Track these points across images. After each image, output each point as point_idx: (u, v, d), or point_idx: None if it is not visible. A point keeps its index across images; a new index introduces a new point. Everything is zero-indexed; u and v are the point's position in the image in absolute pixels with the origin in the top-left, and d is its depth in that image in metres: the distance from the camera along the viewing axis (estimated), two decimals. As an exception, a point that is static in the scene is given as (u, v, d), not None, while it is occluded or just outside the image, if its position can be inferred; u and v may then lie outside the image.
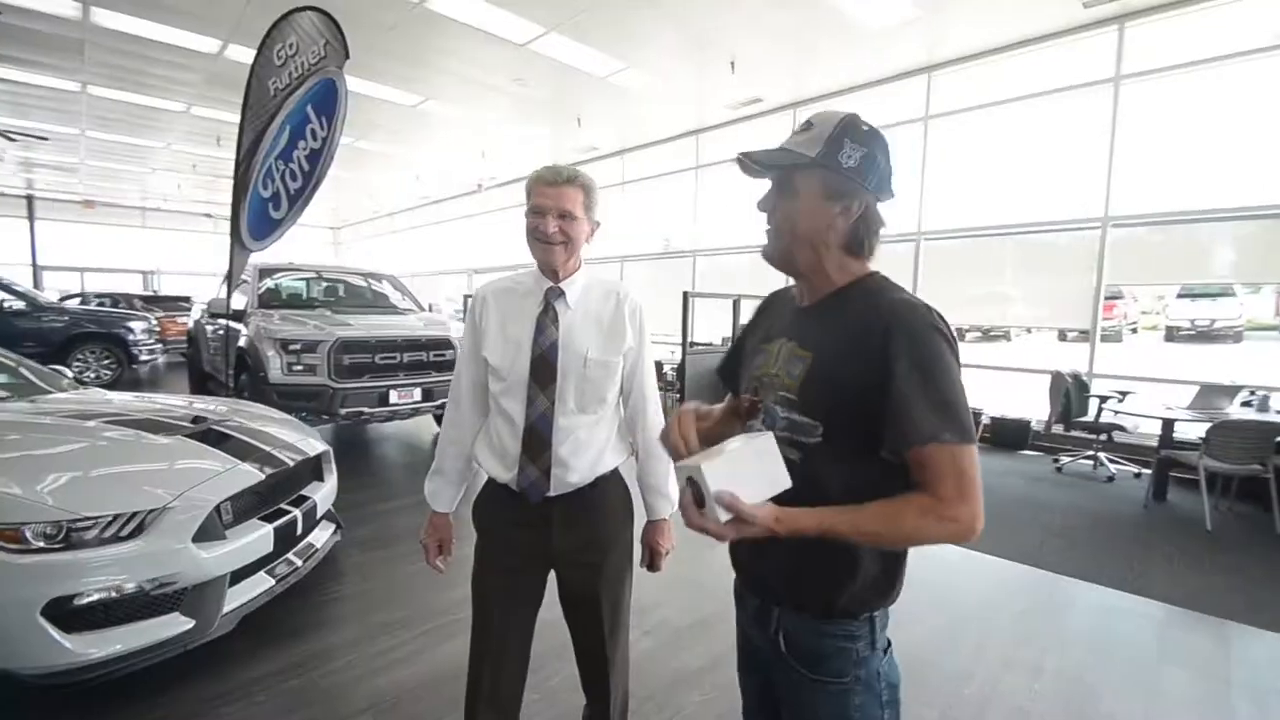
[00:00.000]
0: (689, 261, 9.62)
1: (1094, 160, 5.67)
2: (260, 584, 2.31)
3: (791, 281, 1.00)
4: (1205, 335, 11.85)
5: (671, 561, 1.55)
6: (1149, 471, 4.69)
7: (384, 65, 6.84)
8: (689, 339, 6.57)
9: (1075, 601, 2.94)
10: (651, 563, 1.53)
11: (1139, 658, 2.46)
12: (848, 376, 0.83)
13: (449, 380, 5.49)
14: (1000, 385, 6.96)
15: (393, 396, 4.92)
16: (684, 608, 2.68)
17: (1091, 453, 5.25)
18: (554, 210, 1.27)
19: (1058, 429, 5.35)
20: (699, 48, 6.31)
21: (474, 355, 1.37)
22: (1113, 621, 2.74)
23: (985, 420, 6.21)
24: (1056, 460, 5.40)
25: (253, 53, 4.43)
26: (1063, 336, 12.41)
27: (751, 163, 0.90)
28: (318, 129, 4.25)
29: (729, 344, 1.35)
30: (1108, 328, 5.73)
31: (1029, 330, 14.23)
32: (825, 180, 0.88)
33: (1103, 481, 4.89)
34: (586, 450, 1.34)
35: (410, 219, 16.92)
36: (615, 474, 1.42)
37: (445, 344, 5.29)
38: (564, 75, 6.99)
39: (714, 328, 8.03)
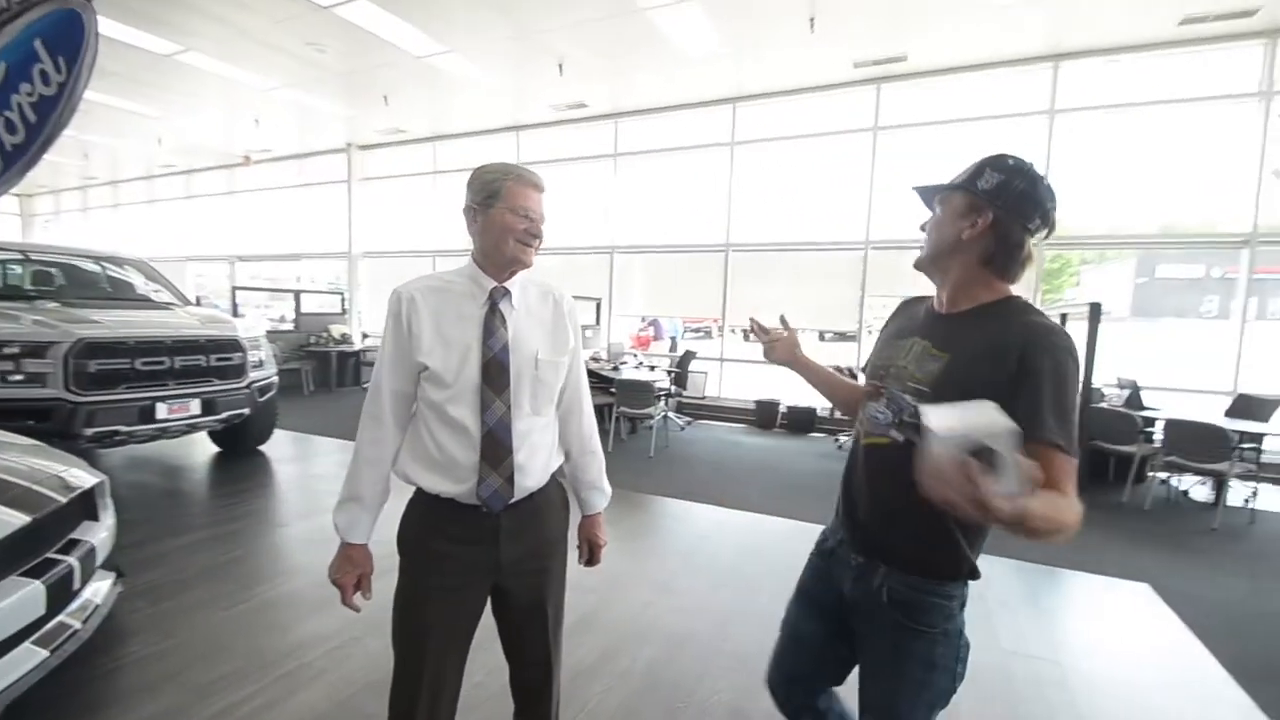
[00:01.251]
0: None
1: (859, 193, 6.96)
2: (27, 659, 1.73)
3: (927, 290, 1.21)
4: None
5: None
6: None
7: (131, 0, 5.50)
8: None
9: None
10: (592, 557, 1.53)
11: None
12: (981, 378, 0.98)
13: (239, 389, 4.72)
14: (780, 378, 8.09)
15: (161, 411, 4.00)
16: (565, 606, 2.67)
17: (863, 432, 6.42)
18: (540, 214, 1.27)
19: (837, 413, 6.40)
20: (528, 45, 6.24)
21: (400, 363, 1.25)
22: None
23: (783, 409, 7.17)
24: (837, 439, 6.48)
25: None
26: (822, 337, 14.95)
27: (920, 191, 1.17)
28: (51, 71, 3.28)
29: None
30: (854, 330, 7.31)
31: (801, 330, 16.66)
32: (964, 199, 1.08)
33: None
34: (540, 453, 1.31)
35: (142, 190, 13.75)
36: (557, 474, 1.41)
37: (232, 346, 4.46)
38: (373, 48, 6.35)
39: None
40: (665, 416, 6.41)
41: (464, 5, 5.45)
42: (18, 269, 4.73)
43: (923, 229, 1.14)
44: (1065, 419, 0.93)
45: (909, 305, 1.26)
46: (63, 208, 15.68)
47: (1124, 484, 4.75)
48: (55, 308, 4.06)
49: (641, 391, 5.62)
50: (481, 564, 1.28)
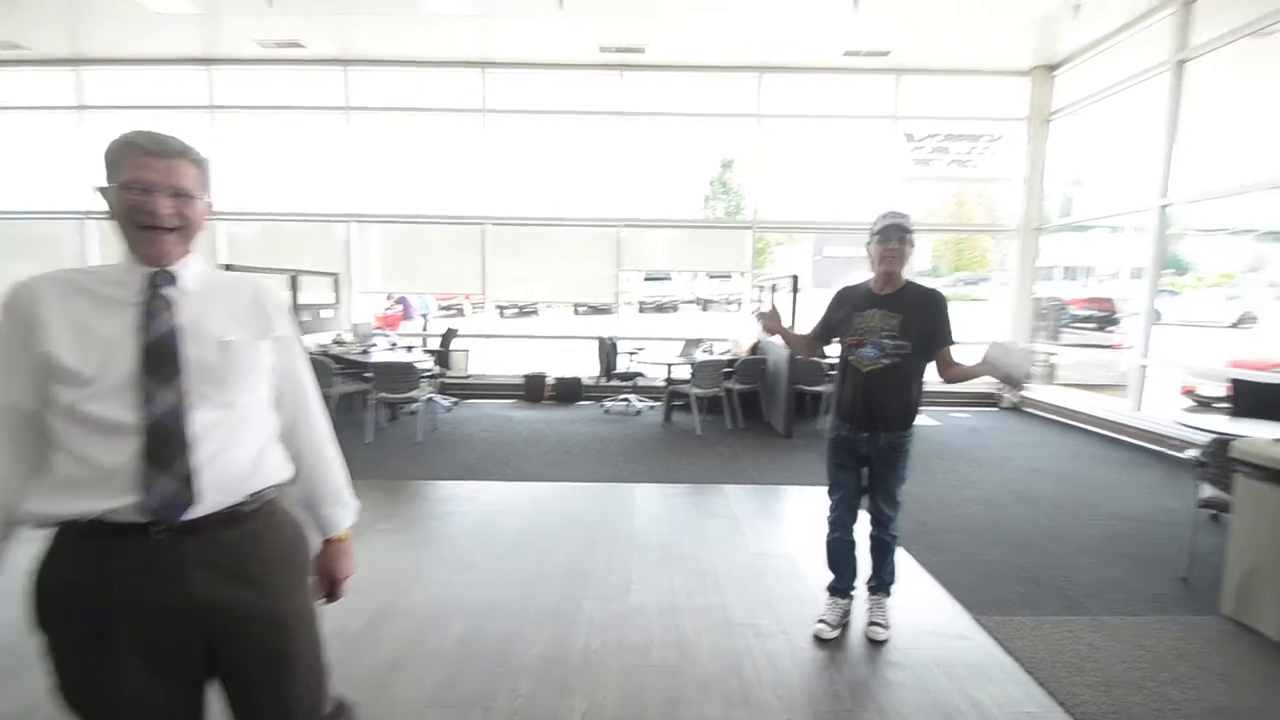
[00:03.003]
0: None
1: (611, 174, 7.39)
2: None
3: (855, 282, 2.42)
4: (660, 307, 17.36)
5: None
6: (660, 403, 6.58)
7: None
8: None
9: (649, 498, 4.00)
10: (331, 592, 1.29)
11: (695, 520, 3.60)
12: (921, 322, 2.24)
13: None
14: (542, 352, 8.32)
15: None
16: (353, 608, 2.42)
17: (624, 396, 6.95)
18: (166, 187, 1.01)
19: (602, 381, 6.84)
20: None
21: (13, 369, 0.97)
22: (668, 502, 3.89)
23: (550, 381, 7.36)
24: (603, 405, 6.93)
25: None
26: (576, 310, 15.58)
27: (907, 228, 2.24)
28: None
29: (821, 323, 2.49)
30: (610, 304, 7.90)
31: (549, 305, 17.07)
32: (911, 239, 2.24)
33: (634, 415, 6.59)
34: (237, 453, 1.06)
35: None
36: (278, 491, 1.16)
37: None
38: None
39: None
40: (430, 399, 6.06)
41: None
42: None
43: (893, 246, 2.22)
44: (952, 329, 2.26)
45: (849, 293, 2.39)
46: None
47: (816, 416, 6.08)
48: None
49: (403, 374, 5.22)
50: (171, 610, 0.99)
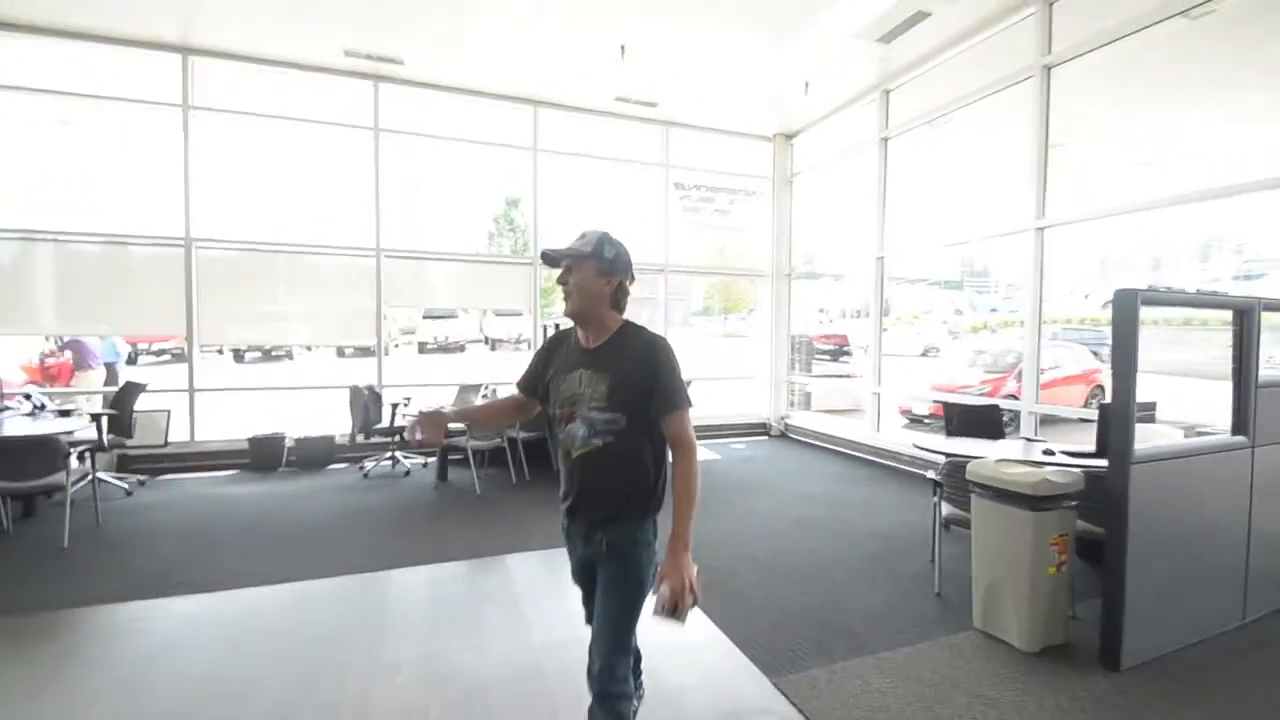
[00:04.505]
0: None
1: (367, 196, 6.42)
2: None
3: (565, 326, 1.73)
4: (444, 348, 15.97)
5: None
6: (434, 460, 5.69)
7: None
8: None
9: (408, 589, 3.21)
10: None
11: (467, 611, 2.93)
12: (636, 383, 1.53)
13: None
14: (296, 406, 6.87)
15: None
16: None
17: (390, 454, 5.92)
18: None
19: (360, 438, 5.72)
20: None
21: None
22: (437, 590, 3.16)
23: (289, 443, 5.98)
24: (362, 467, 5.80)
25: None
26: (341, 353, 13.55)
27: (554, 256, 1.60)
28: None
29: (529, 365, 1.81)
30: (371, 345, 6.80)
31: (309, 348, 14.72)
32: (597, 265, 1.57)
33: (401, 477, 5.60)
34: None
35: None
36: None
37: None
38: None
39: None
40: (94, 481, 4.37)
41: None
42: None
43: (561, 282, 1.59)
44: (681, 389, 1.56)
45: (557, 344, 1.73)
46: None
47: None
48: None
49: (33, 453, 3.63)
50: None
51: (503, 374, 7.34)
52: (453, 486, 5.31)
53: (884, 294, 6.72)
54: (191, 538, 3.94)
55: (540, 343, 1.84)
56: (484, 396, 6.19)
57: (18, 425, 4.27)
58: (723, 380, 8.75)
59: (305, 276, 6.43)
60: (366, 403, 5.61)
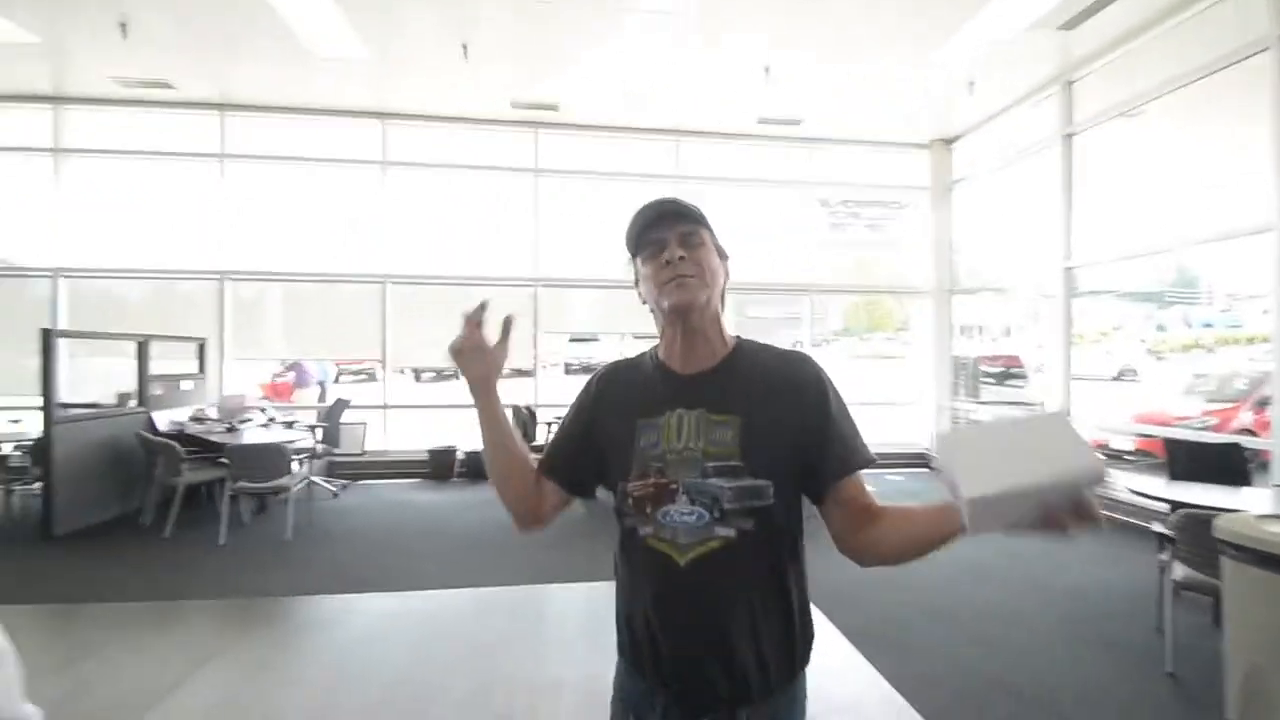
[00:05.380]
0: (45, 284, 6.52)
1: (526, 231, 6.98)
2: None
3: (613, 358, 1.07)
4: (587, 369, 17.00)
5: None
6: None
7: None
8: (54, 399, 4.42)
9: (569, 603, 3.33)
10: None
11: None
12: (786, 427, 0.90)
13: None
14: (465, 420, 7.54)
15: None
16: None
17: (543, 471, 6.29)
18: None
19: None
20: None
21: None
22: (599, 609, 3.24)
23: (460, 455, 6.56)
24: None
25: None
26: (418, 377, 14.44)
27: (683, 210, 0.94)
28: None
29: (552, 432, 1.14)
30: (530, 367, 7.40)
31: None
32: (713, 239, 0.96)
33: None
34: None
35: None
36: None
37: None
38: None
39: (101, 382, 5.70)
40: (309, 483, 5.14)
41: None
42: None
43: (671, 258, 0.91)
44: (859, 437, 0.94)
45: (610, 382, 1.04)
46: None
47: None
48: None
49: (266, 457, 4.35)
50: None
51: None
52: (603, 504, 5.47)
53: (1071, 308, 5.88)
54: (383, 539, 4.45)
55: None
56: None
57: (255, 434, 5.15)
58: (873, 405, 8.18)
59: (469, 305, 7.09)
60: (524, 420, 6.01)
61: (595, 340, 16.86)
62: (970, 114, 6.78)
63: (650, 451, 0.91)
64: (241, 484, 4.36)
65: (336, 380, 12.43)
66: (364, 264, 6.89)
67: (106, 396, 5.46)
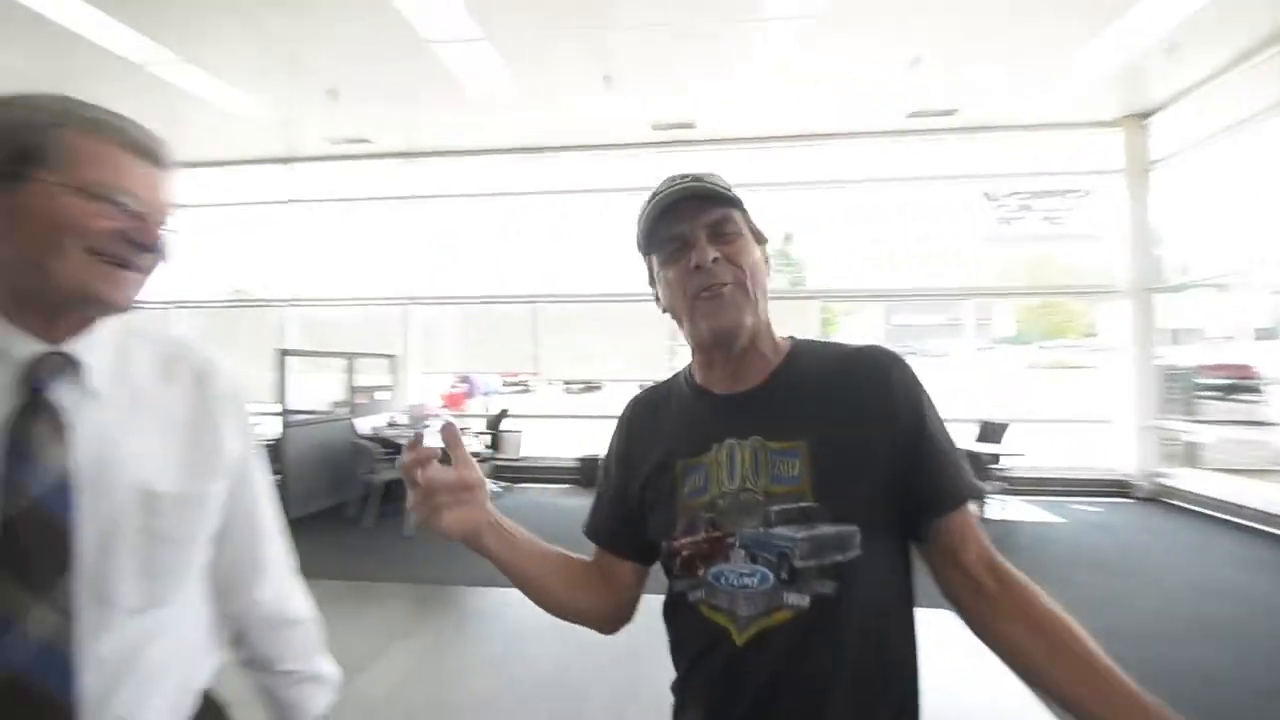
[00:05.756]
0: (275, 312, 7.97)
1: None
2: None
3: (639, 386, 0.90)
4: None
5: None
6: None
7: None
8: (287, 406, 5.35)
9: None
10: None
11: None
12: (878, 449, 0.68)
13: None
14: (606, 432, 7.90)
15: None
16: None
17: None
18: (157, 207, 0.65)
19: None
20: (290, 64, 5.37)
21: None
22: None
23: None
24: (660, 492, 6.36)
25: None
26: (641, 386, 15.31)
27: (712, 190, 0.73)
28: None
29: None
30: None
31: (616, 382, 16.96)
32: (750, 224, 0.77)
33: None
34: (165, 681, 0.66)
35: None
36: (208, 700, 0.74)
37: None
38: (68, 45, 4.96)
39: (317, 392, 6.78)
40: (476, 486, 5.71)
41: (202, 8, 4.51)
42: None
43: (702, 261, 0.70)
44: (961, 458, 0.72)
45: (643, 416, 0.84)
46: None
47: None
48: None
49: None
50: None
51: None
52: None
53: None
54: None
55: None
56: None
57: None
58: (1059, 423, 7.19)
59: (609, 321, 7.44)
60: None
61: None
62: (1170, 82, 5.76)
63: (697, 499, 0.71)
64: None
65: (498, 391, 13.73)
66: (518, 285, 7.54)
67: (319, 405, 6.53)
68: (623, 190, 7.35)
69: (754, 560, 0.67)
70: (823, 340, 0.80)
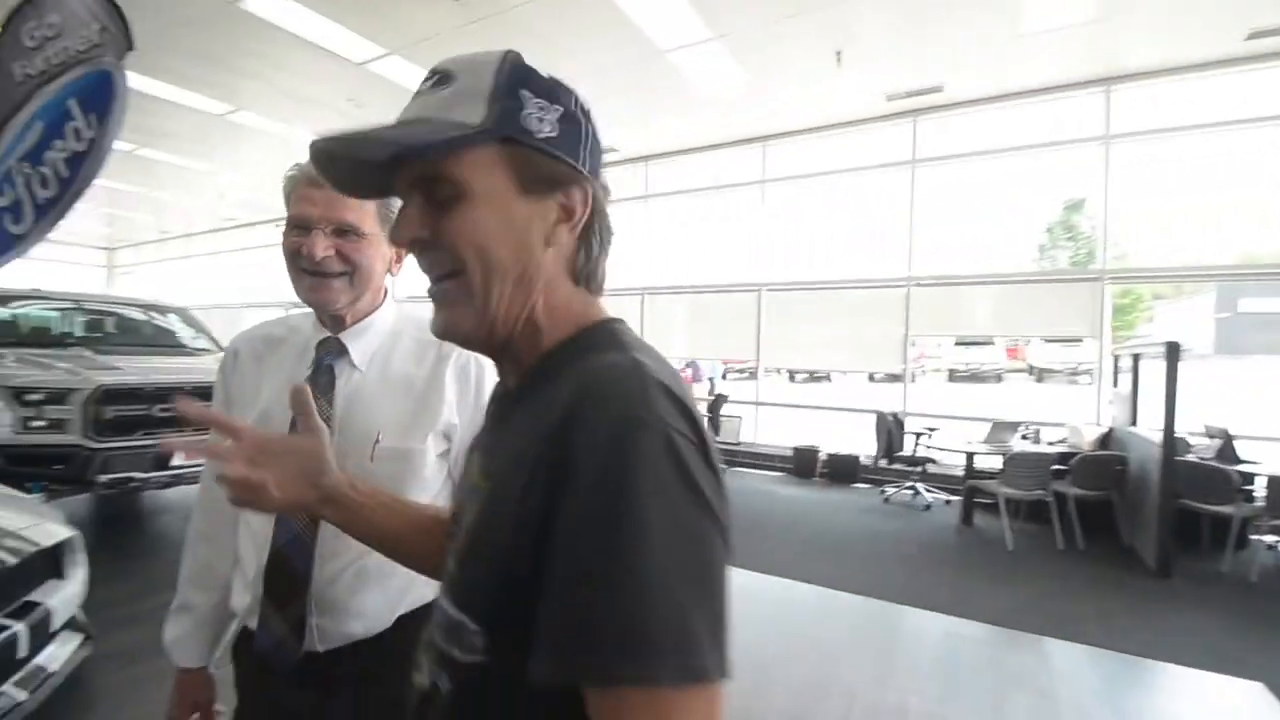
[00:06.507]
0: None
1: (899, 230, 6.62)
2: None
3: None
4: (975, 376, 14.71)
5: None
6: (958, 499, 5.34)
7: (182, 65, 5.84)
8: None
9: (921, 631, 3.13)
10: None
11: (980, 683, 2.64)
12: (511, 531, 0.43)
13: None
14: (828, 423, 7.65)
15: (176, 457, 3.99)
16: None
17: (911, 484, 5.88)
18: (326, 223, 0.83)
19: (883, 463, 5.92)
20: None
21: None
22: (953, 647, 2.95)
23: (823, 456, 6.71)
24: (883, 491, 5.97)
25: (-11, 23, 3.47)
26: (871, 378, 14.27)
27: (341, 151, 0.49)
28: (83, 128, 3.39)
29: None
30: (907, 370, 6.87)
31: (844, 373, 16.08)
32: (515, 162, 0.48)
33: (921, 510, 5.48)
34: (378, 584, 0.86)
35: (211, 243, 14.65)
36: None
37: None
38: (402, 99, 6.51)
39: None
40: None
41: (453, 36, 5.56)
42: (61, 318, 4.95)
43: (401, 240, 0.51)
44: (628, 610, 0.37)
45: (493, 402, 0.63)
46: (142, 259, 16.90)
47: (1223, 550, 4.10)
48: (85, 355, 4.16)
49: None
50: None
51: (1051, 413, 6.22)
52: (978, 534, 4.83)
53: None
54: (747, 524, 4.96)
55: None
56: (1024, 438, 5.38)
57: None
58: None
59: (839, 309, 7.13)
60: (890, 428, 5.76)
61: (989, 343, 14.36)
62: None
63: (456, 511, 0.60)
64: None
65: (724, 377, 14.12)
66: (743, 274, 7.70)
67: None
68: (850, 171, 6.97)
69: (438, 609, 0.51)
70: (625, 336, 0.52)
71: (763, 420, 7.67)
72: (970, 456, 4.97)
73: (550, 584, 0.39)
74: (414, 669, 0.52)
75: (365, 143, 0.47)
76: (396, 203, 0.53)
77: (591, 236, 0.53)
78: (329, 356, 0.90)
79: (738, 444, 7.15)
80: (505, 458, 0.48)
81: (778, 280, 7.46)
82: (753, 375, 8.02)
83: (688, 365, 11.38)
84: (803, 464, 6.74)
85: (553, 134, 0.49)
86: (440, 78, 0.49)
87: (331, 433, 0.70)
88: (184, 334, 5.29)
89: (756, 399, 7.64)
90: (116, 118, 3.55)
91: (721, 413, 7.02)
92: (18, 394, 3.49)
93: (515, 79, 0.48)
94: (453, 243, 0.47)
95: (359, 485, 0.64)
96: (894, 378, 7.25)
